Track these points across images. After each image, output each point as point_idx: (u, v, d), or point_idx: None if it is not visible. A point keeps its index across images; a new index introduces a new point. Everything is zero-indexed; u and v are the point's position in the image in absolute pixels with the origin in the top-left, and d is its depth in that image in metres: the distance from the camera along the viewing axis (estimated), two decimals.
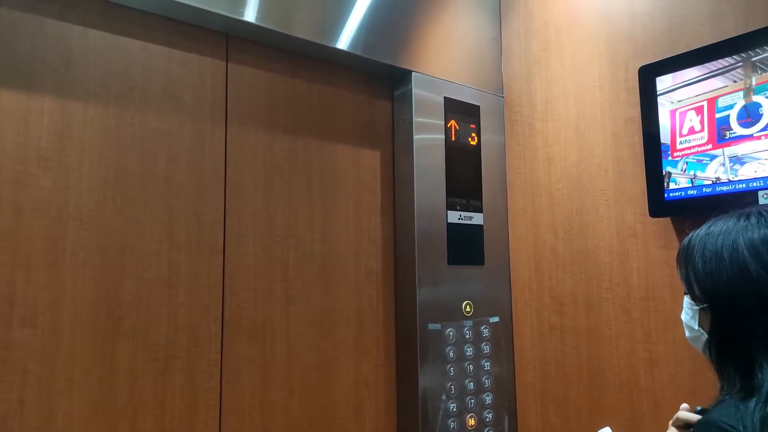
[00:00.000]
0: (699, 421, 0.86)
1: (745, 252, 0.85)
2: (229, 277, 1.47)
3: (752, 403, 0.79)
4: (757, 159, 1.33)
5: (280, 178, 1.59)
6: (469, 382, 1.78)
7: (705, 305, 0.90)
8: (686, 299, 0.96)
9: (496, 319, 1.89)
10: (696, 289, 0.91)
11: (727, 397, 0.84)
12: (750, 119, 1.35)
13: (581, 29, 1.82)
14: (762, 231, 0.86)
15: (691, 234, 0.96)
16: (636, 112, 1.62)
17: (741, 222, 0.88)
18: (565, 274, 1.81)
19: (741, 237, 0.86)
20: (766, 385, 0.80)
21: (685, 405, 1.05)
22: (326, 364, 1.62)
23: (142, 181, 1.36)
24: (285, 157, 1.60)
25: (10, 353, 1.17)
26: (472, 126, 1.92)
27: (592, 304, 1.73)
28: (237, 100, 1.53)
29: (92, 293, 1.27)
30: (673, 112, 1.50)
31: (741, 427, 0.77)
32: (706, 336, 0.92)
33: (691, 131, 1.46)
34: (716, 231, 0.90)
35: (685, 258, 0.94)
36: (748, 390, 0.81)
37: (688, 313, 0.96)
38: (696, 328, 0.94)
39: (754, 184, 1.33)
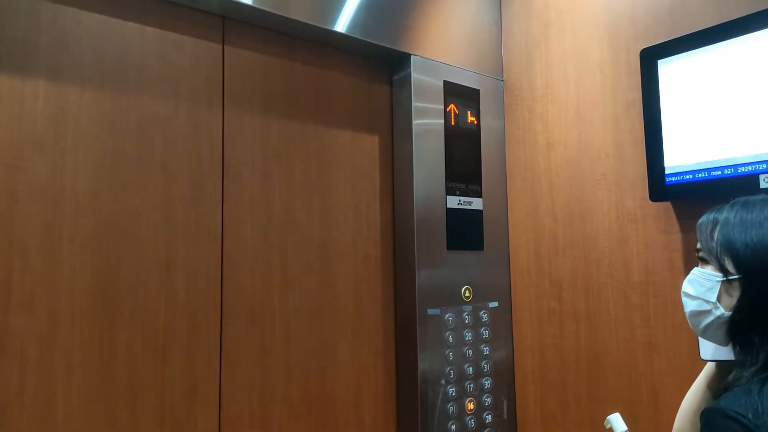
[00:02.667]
0: (706, 407, 0.85)
1: None
2: (227, 262, 1.46)
3: None
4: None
5: (278, 162, 1.57)
6: (468, 366, 1.78)
7: (736, 277, 0.90)
8: (702, 271, 0.95)
9: (495, 304, 1.89)
10: (728, 261, 0.91)
11: (743, 374, 0.85)
12: None
13: (582, 11, 1.80)
14: None
15: (714, 210, 0.96)
16: (637, 95, 1.61)
17: None
18: (564, 258, 1.80)
19: None
20: None
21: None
22: (325, 350, 1.62)
23: (139, 165, 1.35)
24: (283, 141, 1.59)
25: (8, 339, 1.16)
26: (472, 110, 1.90)
27: (591, 289, 1.73)
28: (234, 83, 1.51)
29: (90, 279, 1.26)
30: None
31: (750, 415, 0.76)
32: (721, 310, 0.92)
33: None
34: (754, 209, 0.91)
35: (713, 230, 0.94)
36: (766, 367, 0.82)
37: (703, 284, 0.94)
38: (712, 300, 0.93)
39: (756, 167, 1.32)
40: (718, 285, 0.92)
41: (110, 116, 1.32)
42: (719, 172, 1.39)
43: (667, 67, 1.50)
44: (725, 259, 0.91)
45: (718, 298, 0.92)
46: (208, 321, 1.42)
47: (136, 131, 1.35)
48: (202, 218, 1.43)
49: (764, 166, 1.31)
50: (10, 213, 1.19)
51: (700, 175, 1.42)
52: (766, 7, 1.35)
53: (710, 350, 1.03)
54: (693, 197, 1.45)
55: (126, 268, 1.31)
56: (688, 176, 1.44)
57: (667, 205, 1.55)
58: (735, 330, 0.91)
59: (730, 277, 0.91)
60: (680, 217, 1.53)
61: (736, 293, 0.90)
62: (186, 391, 1.37)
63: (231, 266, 1.46)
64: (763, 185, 1.31)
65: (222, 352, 1.43)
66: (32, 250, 1.20)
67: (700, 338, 1.03)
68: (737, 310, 0.90)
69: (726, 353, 0.99)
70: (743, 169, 1.34)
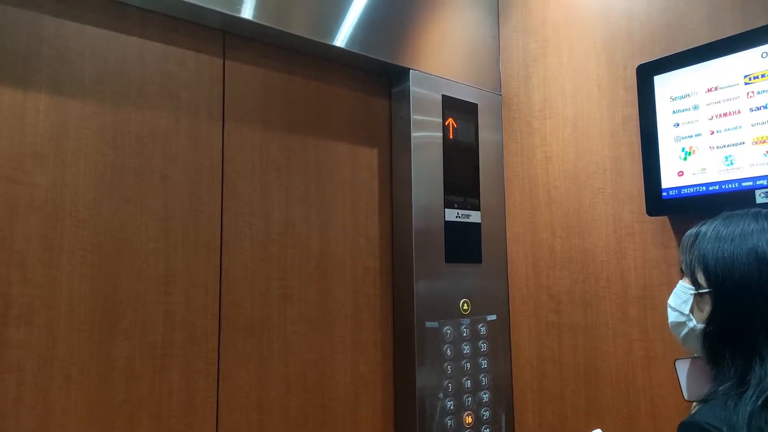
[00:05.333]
0: (683, 421, 0.85)
1: (765, 245, 0.86)
2: (226, 275, 1.46)
3: (745, 396, 0.80)
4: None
5: (277, 175, 1.58)
6: (467, 380, 1.78)
7: (706, 291, 0.91)
8: (681, 283, 0.97)
9: (493, 317, 1.89)
10: (700, 275, 0.92)
11: (718, 388, 0.85)
12: None
13: (579, 27, 1.82)
14: None
15: (701, 223, 0.97)
16: (634, 110, 1.62)
17: (760, 223, 0.90)
18: (562, 272, 1.81)
19: (763, 234, 0.88)
20: (757, 379, 0.81)
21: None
22: (323, 363, 1.61)
23: (139, 178, 1.36)
24: (282, 154, 1.60)
25: (6, 351, 1.16)
26: (470, 124, 1.92)
27: (589, 303, 1.73)
28: (234, 97, 1.53)
29: (88, 291, 1.26)
30: None
31: (725, 428, 0.77)
32: (694, 323, 0.93)
33: None
34: (731, 223, 0.92)
35: (692, 243, 0.95)
36: (743, 383, 0.82)
37: (680, 297, 0.97)
38: (685, 312, 0.95)
39: (752, 183, 1.33)
40: (691, 298, 0.94)
41: (111, 129, 1.33)
42: (716, 187, 1.40)
43: (663, 83, 1.51)
44: (698, 272, 0.93)
45: (691, 311, 0.94)
46: (207, 333, 1.42)
47: (136, 144, 1.36)
48: (201, 231, 1.43)
49: (763, 182, 1.32)
50: (10, 225, 1.19)
51: (696, 189, 1.43)
52: (761, 25, 1.37)
53: (689, 391, 1.03)
54: (689, 212, 1.46)
55: (125, 280, 1.31)
56: (684, 190, 1.45)
57: (664, 220, 1.56)
58: (707, 344, 0.91)
59: (701, 291, 0.92)
60: (677, 232, 1.53)
61: (706, 307, 0.92)
62: (184, 404, 1.36)
63: (229, 279, 1.47)
64: (759, 200, 1.32)
65: (220, 365, 1.43)
66: (31, 262, 1.21)
67: (679, 378, 1.04)
68: (708, 324, 0.91)
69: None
70: (739, 184, 1.35)
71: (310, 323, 1.60)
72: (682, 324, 0.96)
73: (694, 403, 1.05)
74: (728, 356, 0.87)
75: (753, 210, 0.93)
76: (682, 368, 1.03)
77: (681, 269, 0.99)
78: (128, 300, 1.31)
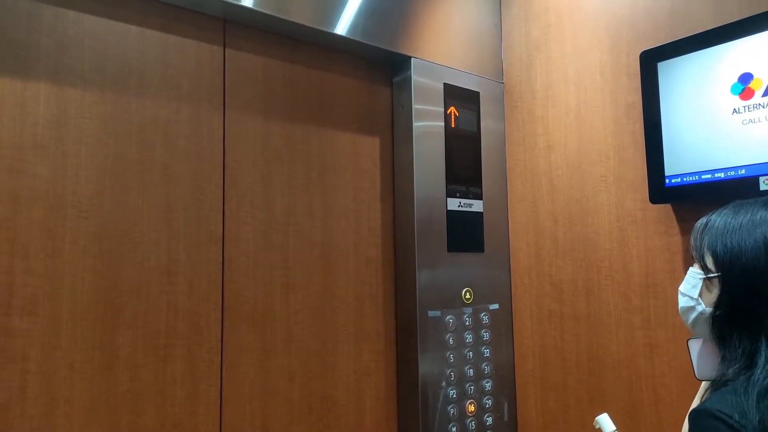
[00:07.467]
0: (693, 408, 0.86)
1: None
2: (228, 264, 1.46)
3: (753, 378, 0.81)
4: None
5: (279, 165, 1.58)
6: (469, 368, 1.79)
7: (715, 275, 0.93)
8: (691, 269, 0.99)
9: (495, 306, 1.89)
10: (709, 259, 0.94)
11: (727, 371, 0.86)
12: None
13: (582, 14, 1.81)
14: None
15: (712, 212, 0.99)
16: (637, 97, 1.61)
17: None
18: (564, 261, 1.81)
19: None
20: (764, 360, 0.82)
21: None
22: (326, 352, 1.62)
23: (140, 168, 1.35)
24: (283, 144, 1.59)
25: (10, 341, 1.16)
26: (472, 112, 1.91)
27: (591, 291, 1.73)
28: (235, 86, 1.52)
29: (91, 282, 1.27)
30: None
31: (736, 415, 0.77)
32: (702, 306, 0.95)
33: None
34: (741, 211, 0.94)
35: (702, 230, 0.97)
36: (751, 365, 0.83)
37: (690, 282, 0.98)
38: (695, 297, 0.97)
39: (755, 170, 1.33)
40: (701, 282, 0.96)
41: (111, 119, 1.33)
42: (720, 174, 1.39)
43: (666, 69, 1.50)
44: (707, 257, 0.95)
45: (700, 295, 0.96)
46: (210, 323, 1.42)
47: (137, 134, 1.36)
48: (203, 221, 1.43)
49: (766, 168, 1.31)
50: (12, 216, 1.19)
51: (698, 177, 1.42)
52: (765, 10, 1.35)
53: (700, 370, 1.04)
54: (692, 199, 1.46)
55: (127, 271, 1.31)
56: (687, 178, 1.44)
57: (667, 207, 1.55)
58: (715, 327, 0.93)
59: (710, 275, 0.94)
60: (680, 219, 1.53)
61: (715, 290, 0.93)
62: (187, 393, 1.37)
63: (232, 269, 1.47)
64: (763, 187, 1.31)
65: (223, 355, 1.43)
66: (34, 253, 1.21)
67: (692, 357, 1.05)
68: (716, 306, 0.93)
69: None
70: (742, 171, 1.35)
71: (312, 313, 1.60)
72: (692, 308, 0.98)
73: (701, 388, 1.05)
74: (735, 337, 0.88)
75: (763, 198, 0.95)
76: (695, 347, 1.04)
77: (693, 255, 1.00)
78: (131, 290, 1.31)
